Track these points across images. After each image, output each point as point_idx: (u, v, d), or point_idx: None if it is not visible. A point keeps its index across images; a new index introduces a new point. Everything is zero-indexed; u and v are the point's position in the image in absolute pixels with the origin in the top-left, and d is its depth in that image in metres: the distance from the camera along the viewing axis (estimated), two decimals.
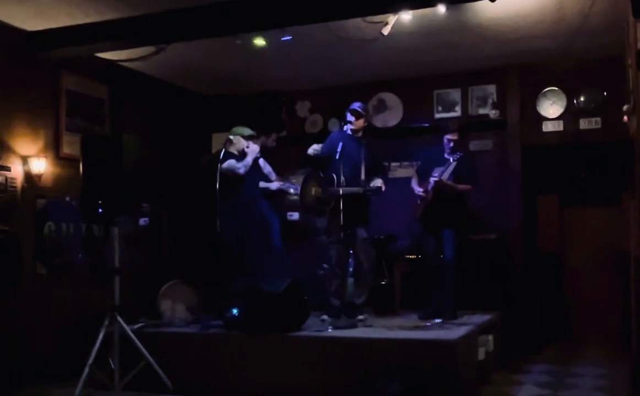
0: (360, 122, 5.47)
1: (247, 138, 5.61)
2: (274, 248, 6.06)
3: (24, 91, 5.45)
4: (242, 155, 5.58)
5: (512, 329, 6.21)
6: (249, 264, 5.50)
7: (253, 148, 5.57)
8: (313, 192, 5.49)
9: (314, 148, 5.60)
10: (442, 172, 5.43)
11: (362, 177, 5.30)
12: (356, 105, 5.47)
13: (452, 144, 5.52)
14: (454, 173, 5.45)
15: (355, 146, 5.41)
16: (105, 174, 4.36)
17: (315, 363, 4.51)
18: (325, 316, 5.25)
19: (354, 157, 5.36)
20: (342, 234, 5.20)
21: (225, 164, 5.46)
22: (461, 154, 5.46)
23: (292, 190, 5.62)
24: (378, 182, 5.41)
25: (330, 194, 5.31)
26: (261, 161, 5.77)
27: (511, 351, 5.97)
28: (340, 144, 5.37)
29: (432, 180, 5.45)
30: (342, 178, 5.20)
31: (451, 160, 5.42)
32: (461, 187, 5.45)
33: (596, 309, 7.41)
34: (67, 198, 5.58)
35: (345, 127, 5.55)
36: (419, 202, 5.63)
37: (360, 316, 5.20)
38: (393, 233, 6.53)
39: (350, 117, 5.43)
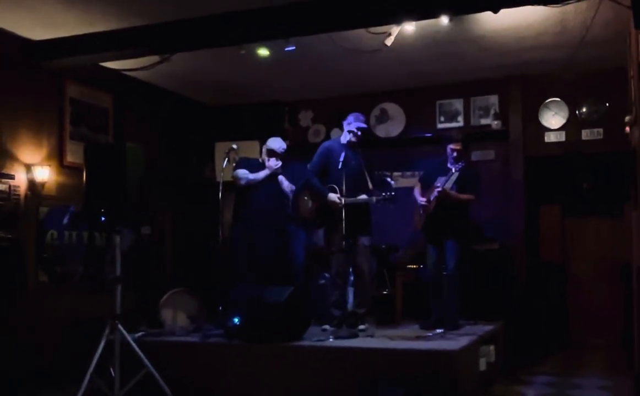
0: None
1: (268, 153, 5.69)
2: (294, 261, 6.10)
3: (29, 99, 5.48)
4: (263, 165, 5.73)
5: (515, 339, 6.19)
6: (253, 273, 5.52)
7: (270, 165, 5.65)
8: (310, 205, 5.52)
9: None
10: (445, 182, 5.43)
11: (370, 186, 5.33)
12: (362, 121, 5.50)
13: (455, 154, 5.51)
14: (456, 183, 5.45)
15: (353, 155, 5.44)
16: (108, 183, 4.36)
17: (316, 373, 4.50)
18: (326, 326, 5.25)
19: (354, 167, 5.38)
20: (343, 243, 5.20)
21: (236, 171, 5.53)
22: (464, 164, 5.46)
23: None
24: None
25: (333, 205, 5.32)
26: (280, 177, 5.80)
27: (513, 361, 5.94)
28: (343, 154, 5.37)
29: (435, 190, 5.45)
30: (344, 188, 5.22)
31: (453, 170, 5.42)
32: (464, 196, 5.45)
33: (598, 319, 7.39)
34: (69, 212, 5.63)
35: (343, 138, 5.57)
36: (421, 212, 5.63)
37: (362, 327, 5.19)
38: (394, 243, 6.53)
39: (358, 132, 5.46)
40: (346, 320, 5.20)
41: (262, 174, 5.61)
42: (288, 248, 6.18)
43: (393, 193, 5.20)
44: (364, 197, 5.27)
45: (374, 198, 5.25)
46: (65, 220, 5.68)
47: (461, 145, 5.52)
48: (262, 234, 5.57)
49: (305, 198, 5.54)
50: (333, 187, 5.31)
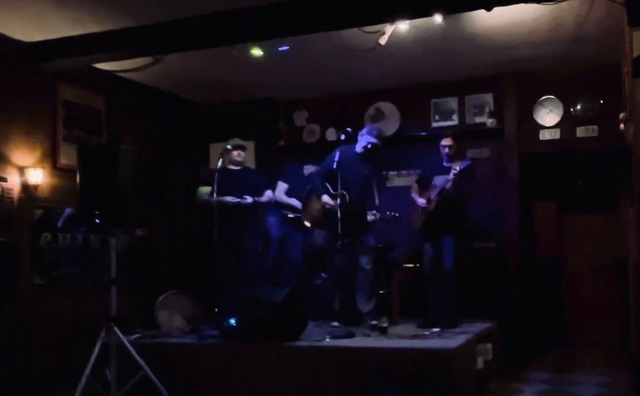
0: None
1: (233, 148, 5.75)
2: (292, 261, 6.11)
3: (22, 102, 5.45)
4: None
5: (511, 337, 6.19)
6: (245, 274, 5.52)
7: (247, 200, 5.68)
8: (319, 206, 5.54)
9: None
10: (446, 182, 5.41)
11: (376, 201, 5.43)
12: (373, 136, 5.52)
13: (447, 150, 5.52)
14: (454, 182, 5.42)
15: (363, 165, 5.49)
16: (102, 185, 4.34)
17: (313, 373, 4.49)
18: (335, 323, 5.28)
19: (363, 176, 5.43)
20: (344, 242, 5.23)
21: (199, 188, 5.71)
22: (469, 163, 5.41)
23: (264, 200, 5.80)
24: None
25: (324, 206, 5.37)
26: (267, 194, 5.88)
27: (510, 359, 5.95)
28: (338, 154, 5.40)
29: (436, 190, 5.45)
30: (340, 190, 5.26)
31: (457, 168, 5.35)
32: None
33: (595, 315, 7.41)
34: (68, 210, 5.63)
35: (358, 146, 5.56)
36: (420, 211, 5.62)
37: (385, 324, 5.15)
38: (391, 242, 6.53)
39: (368, 146, 5.47)
40: (352, 318, 5.27)
41: (227, 200, 5.59)
42: (274, 245, 6.19)
43: (397, 214, 5.33)
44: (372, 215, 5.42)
45: (377, 215, 5.39)
46: (60, 223, 5.66)
47: (451, 140, 5.52)
48: (241, 231, 5.60)
49: (315, 199, 5.58)
50: (342, 191, 5.29)
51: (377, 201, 5.42)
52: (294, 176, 6.25)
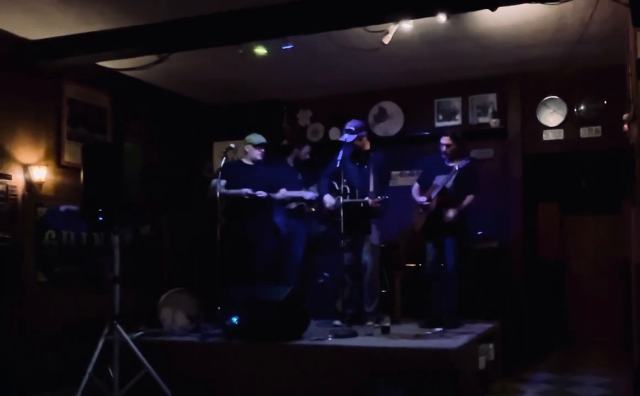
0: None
1: (257, 146, 5.69)
2: (293, 258, 6.10)
3: (26, 100, 5.47)
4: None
5: (514, 337, 6.19)
6: (251, 272, 5.53)
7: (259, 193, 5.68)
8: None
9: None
10: (447, 181, 5.42)
11: (371, 188, 5.37)
12: (346, 131, 5.50)
13: (445, 148, 5.52)
14: (455, 182, 5.43)
15: (353, 159, 5.48)
16: (106, 183, 4.36)
17: (315, 372, 4.49)
18: (338, 322, 5.28)
19: (353, 170, 5.43)
20: (348, 241, 5.24)
21: (212, 181, 5.66)
22: (468, 162, 5.42)
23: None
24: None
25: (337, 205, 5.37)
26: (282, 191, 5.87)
27: (512, 359, 5.95)
28: (341, 154, 5.41)
29: (437, 189, 5.45)
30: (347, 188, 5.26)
31: (457, 167, 5.37)
32: (467, 202, 5.42)
33: (597, 316, 7.41)
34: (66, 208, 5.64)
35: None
36: (421, 211, 5.62)
37: (387, 324, 5.15)
38: (394, 241, 6.53)
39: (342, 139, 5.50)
40: (356, 317, 5.30)
41: (243, 192, 5.58)
42: (282, 242, 6.19)
43: (387, 197, 5.25)
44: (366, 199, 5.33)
45: (368, 200, 5.28)
46: (62, 209, 5.64)
47: (450, 139, 5.52)
48: (257, 230, 5.59)
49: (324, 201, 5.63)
50: (344, 187, 5.34)
51: (371, 188, 5.38)
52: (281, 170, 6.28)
